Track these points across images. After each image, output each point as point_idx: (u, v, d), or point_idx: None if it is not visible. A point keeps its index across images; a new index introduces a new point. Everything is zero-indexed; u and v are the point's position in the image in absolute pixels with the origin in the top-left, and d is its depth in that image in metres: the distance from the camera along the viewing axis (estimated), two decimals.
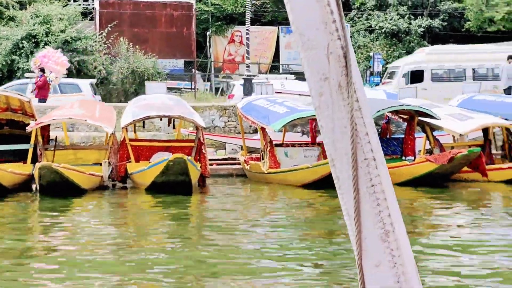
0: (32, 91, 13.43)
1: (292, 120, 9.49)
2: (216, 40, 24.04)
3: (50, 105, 12.11)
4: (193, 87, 19.94)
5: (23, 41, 16.91)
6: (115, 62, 17.84)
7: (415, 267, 0.68)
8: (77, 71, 16.80)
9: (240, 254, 5.74)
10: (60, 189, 8.50)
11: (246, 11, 17.27)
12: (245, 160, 10.69)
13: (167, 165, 8.66)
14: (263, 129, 9.66)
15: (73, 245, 6.19)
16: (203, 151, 9.47)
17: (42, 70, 13.62)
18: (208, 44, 23.89)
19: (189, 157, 9.00)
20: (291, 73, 20.23)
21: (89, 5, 22.55)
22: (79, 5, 22.13)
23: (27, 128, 9.64)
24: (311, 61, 0.64)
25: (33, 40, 17.03)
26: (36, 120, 9.67)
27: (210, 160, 10.79)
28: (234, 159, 11.47)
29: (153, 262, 5.36)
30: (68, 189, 8.57)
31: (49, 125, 9.87)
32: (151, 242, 6.39)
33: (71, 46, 17.03)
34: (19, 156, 9.82)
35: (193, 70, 21.61)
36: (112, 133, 9.45)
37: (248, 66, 16.43)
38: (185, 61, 22.69)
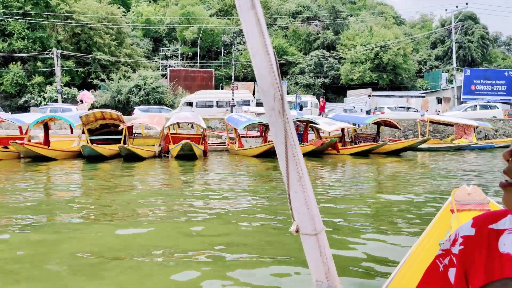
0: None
1: (248, 124, 17.81)
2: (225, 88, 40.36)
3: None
4: None
5: (133, 88, 33.93)
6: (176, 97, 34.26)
7: (313, 196, 1.16)
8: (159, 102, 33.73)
9: (221, 185, 13.18)
10: (132, 158, 15.28)
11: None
12: (228, 144, 19.86)
13: (182, 146, 14.89)
14: (235, 129, 18.62)
15: (142, 182, 11.89)
16: (206, 139, 18.31)
17: (82, 101, 24.63)
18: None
19: (193, 143, 15.20)
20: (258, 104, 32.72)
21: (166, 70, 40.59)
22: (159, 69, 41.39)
23: (119, 127, 16.84)
24: (265, 101, 1.07)
25: (138, 88, 34.26)
26: (124, 123, 18.00)
27: (212, 143, 19.98)
28: (224, 143, 20.80)
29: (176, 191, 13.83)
30: (135, 158, 15.57)
31: (132, 125, 17.97)
32: (177, 179, 14.18)
33: (156, 90, 34.51)
34: (118, 142, 16.46)
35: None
36: (161, 130, 18.11)
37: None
38: None
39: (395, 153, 18.04)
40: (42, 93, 35.92)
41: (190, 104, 30.06)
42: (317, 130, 18.25)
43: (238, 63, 45.89)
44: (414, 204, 7.19)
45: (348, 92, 40.93)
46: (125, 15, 47.08)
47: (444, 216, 2.51)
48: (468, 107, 28.20)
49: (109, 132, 17.72)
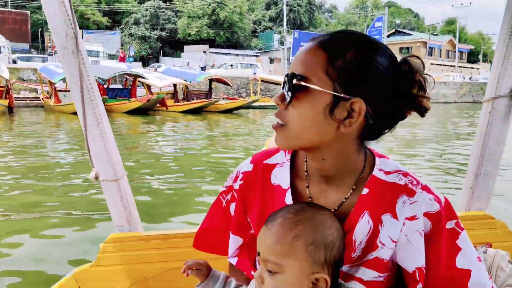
0: None
1: (63, 77, 15.89)
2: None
3: None
4: None
5: None
6: None
7: (114, 141, 1.25)
8: None
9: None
10: None
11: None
12: (42, 99, 17.15)
13: None
14: (50, 82, 15.97)
15: None
16: (10, 92, 15.39)
17: None
18: None
19: None
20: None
21: None
22: None
23: None
24: (57, 39, 1.13)
25: None
26: None
27: (24, 98, 16.94)
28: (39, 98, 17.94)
29: None
30: None
31: None
32: None
33: None
34: None
35: None
36: None
37: None
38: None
39: (229, 111, 17.97)
40: None
41: None
42: (148, 86, 16.93)
43: None
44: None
45: (186, 48, 39.93)
46: None
47: None
48: None
49: None
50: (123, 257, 1.36)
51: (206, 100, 17.79)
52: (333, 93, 0.77)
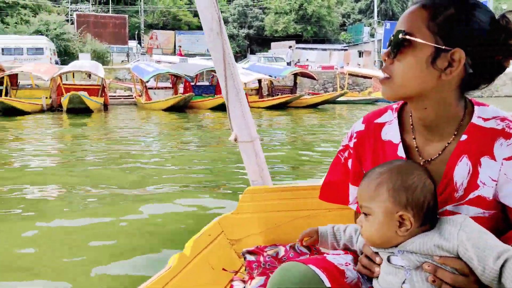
0: None
1: (155, 75, 15.89)
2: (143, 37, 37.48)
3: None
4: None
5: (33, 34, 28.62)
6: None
7: (249, 109, 1.44)
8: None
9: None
10: (13, 112, 12.93)
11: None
12: (135, 96, 17.92)
13: (69, 98, 12.98)
14: (141, 80, 16.64)
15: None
16: (106, 90, 16.24)
17: None
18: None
19: (84, 94, 13.31)
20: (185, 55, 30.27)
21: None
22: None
23: None
24: (204, 22, 1.33)
25: (40, 34, 28.50)
26: (3, 72, 15.24)
27: (119, 96, 17.89)
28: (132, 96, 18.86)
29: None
30: (17, 112, 13.04)
31: (15, 74, 15.14)
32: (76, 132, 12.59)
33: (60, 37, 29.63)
34: None
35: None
36: (51, 80, 15.32)
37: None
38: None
39: (313, 106, 17.31)
40: None
41: None
42: None
43: (157, 10, 42.55)
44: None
45: (273, 44, 39.67)
46: None
47: None
48: None
49: None
50: (258, 207, 1.57)
51: (291, 95, 17.31)
52: (435, 45, 0.87)
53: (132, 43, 36.56)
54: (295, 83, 18.72)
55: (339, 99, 18.28)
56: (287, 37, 40.39)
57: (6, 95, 14.48)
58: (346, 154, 1.15)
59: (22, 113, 13.25)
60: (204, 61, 21.51)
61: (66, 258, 3.04)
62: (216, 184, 4.94)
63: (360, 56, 36.99)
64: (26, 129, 10.93)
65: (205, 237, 1.47)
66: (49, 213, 4.04)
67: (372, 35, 40.65)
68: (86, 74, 17.32)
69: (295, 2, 40.94)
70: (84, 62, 17.00)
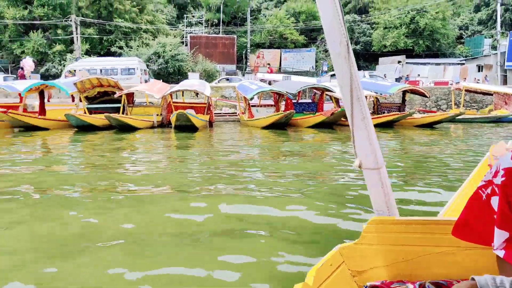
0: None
1: (258, 93, 16.09)
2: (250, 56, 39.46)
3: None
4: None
5: (152, 56, 32.66)
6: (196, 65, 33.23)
7: (375, 134, 1.40)
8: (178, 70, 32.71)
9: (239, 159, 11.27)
10: (127, 128, 13.90)
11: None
12: (238, 114, 18.31)
13: (176, 116, 13.52)
14: (245, 98, 16.97)
15: (140, 151, 12.14)
16: (211, 108, 16.84)
17: (22, 68, 24.75)
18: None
19: (190, 112, 13.67)
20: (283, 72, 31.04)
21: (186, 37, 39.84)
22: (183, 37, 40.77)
23: (115, 95, 15.76)
24: (331, 46, 1.32)
25: (157, 55, 33.00)
26: (122, 90, 16.44)
27: (224, 113, 18.52)
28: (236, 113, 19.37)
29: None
30: (130, 128, 13.96)
31: (132, 93, 16.42)
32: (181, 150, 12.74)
33: (175, 58, 32.69)
34: (116, 110, 15.31)
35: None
36: (162, 98, 16.39)
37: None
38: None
39: (425, 126, 15.96)
40: (62, 62, 35.26)
41: (73, 72, 25.42)
42: (336, 99, 16.36)
43: (264, 30, 43.76)
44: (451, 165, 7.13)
45: (381, 60, 38.22)
46: None
47: (482, 170, 2.59)
48: None
49: (110, 101, 16.50)
50: (384, 238, 1.50)
51: (399, 113, 16.23)
52: None
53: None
54: (404, 100, 17.57)
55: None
56: (396, 52, 38.60)
57: (123, 112, 15.70)
58: (489, 191, 1.09)
59: (135, 129, 14.21)
60: (307, 78, 21.33)
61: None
62: (332, 210, 4.44)
63: (479, 71, 33.84)
64: (137, 141, 11.66)
65: (327, 267, 1.46)
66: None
67: (494, 47, 36.97)
68: (194, 92, 18.18)
69: (406, 16, 39.07)
70: (193, 81, 17.87)
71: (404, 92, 17.29)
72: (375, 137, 1.46)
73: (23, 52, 35.79)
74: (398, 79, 25.20)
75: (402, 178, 6.17)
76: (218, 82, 27.18)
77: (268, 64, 36.82)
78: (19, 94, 15.46)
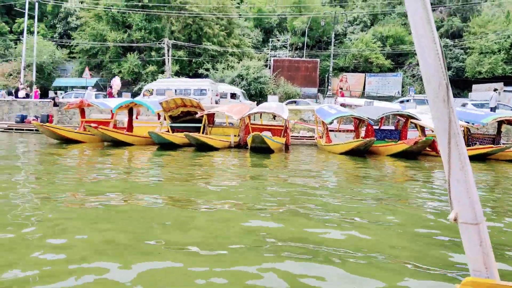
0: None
1: (337, 117, 15.58)
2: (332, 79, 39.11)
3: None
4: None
5: (236, 78, 33.93)
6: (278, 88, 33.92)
7: (475, 186, 1.31)
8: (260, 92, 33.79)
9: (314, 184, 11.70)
10: (205, 147, 14.18)
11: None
12: (316, 138, 17.97)
13: (252, 138, 13.56)
14: (323, 122, 16.63)
15: (216, 167, 12.24)
16: (288, 131, 16.63)
17: (111, 87, 26.71)
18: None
19: (266, 135, 13.72)
20: (367, 97, 30.18)
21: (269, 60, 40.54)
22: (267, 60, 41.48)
23: (197, 115, 16.76)
24: (429, 88, 1.28)
25: (240, 78, 34.12)
26: (203, 111, 17.50)
27: (301, 137, 18.29)
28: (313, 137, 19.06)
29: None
30: (208, 147, 14.29)
31: (213, 113, 17.00)
32: (256, 168, 12.46)
33: (257, 80, 33.73)
34: (197, 130, 15.90)
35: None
36: (239, 119, 16.76)
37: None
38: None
39: None
40: (154, 81, 37.61)
41: (151, 92, 27.10)
42: (422, 128, 15.37)
43: (349, 53, 43.27)
44: None
45: (474, 87, 35.58)
46: (239, 7, 47.66)
47: None
48: None
49: (192, 120, 17.08)
50: None
51: (493, 146, 14.80)
52: None
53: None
54: (499, 131, 16.05)
55: None
56: (493, 79, 35.80)
57: (203, 131, 16.12)
58: None
59: (212, 148, 14.47)
60: (390, 104, 20.44)
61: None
62: (418, 263, 3.80)
63: None
64: (212, 159, 11.80)
65: None
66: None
67: None
68: (272, 115, 18.23)
69: (505, 40, 36.27)
70: (271, 104, 17.93)
71: (500, 123, 15.79)
72: (475, 189, 1.33)
73: (120, 71, 38.79)
74: (493, 109, 23.19)
75: (498, 223, 5.36)
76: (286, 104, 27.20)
77: (340, 88, 36.15)
78: (111, 111, 16.58)
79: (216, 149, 14.61)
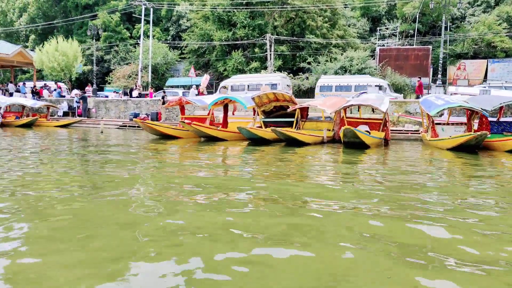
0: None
1: (444, 109, 13.79)
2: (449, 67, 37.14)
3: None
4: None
5: (339, 70, 32.86)
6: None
7: None
8: None
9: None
10: (296, 143, 13.53)
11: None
12: (421, 132, 16.35)
13: (343, 132, 12.68)
14: (428, 114, 14.87)
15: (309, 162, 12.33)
16: (387, 125, 15.31)
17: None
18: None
19: (359, 129, 12.95)
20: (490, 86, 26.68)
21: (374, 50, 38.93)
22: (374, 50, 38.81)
23: (288, 109, 16.17)
24: None
25: (344, 69, 33.05)
26: (295, 105, 16.45)
27: (406, 131, 16.88)
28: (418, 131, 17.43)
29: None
30: (299, 143, 13.60)
31: (306, 107, 16.47)
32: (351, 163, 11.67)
33: (361, 72, 32.01)
34: (290, 124, 15.46)
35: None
36: (335, 112, 15.63)
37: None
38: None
39: None
40: (228, 78, 38.03)
41: (226, 87, 27.27)
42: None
43: (468, 38, 39.09)
44: None
45: None
46: None
47: None
48: None
49: (285, 115, 16.71)
50: None
51: None
52: None
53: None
54: None
55: None
56: None
57: (295, 126, 15.65)
58: None
59: (303, 143, 13.91)
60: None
61: None
62: None
63: None
64: (299, 155, 11.22)
65: None
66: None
67: None
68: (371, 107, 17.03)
69: None
70: (369, 96, 16.72)
71: None
72: None
73: (225, 69, 40.01)
74: None
75: None
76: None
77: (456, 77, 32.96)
78: (208, 108, 16.99)
79: (306, 144, 13.99)
